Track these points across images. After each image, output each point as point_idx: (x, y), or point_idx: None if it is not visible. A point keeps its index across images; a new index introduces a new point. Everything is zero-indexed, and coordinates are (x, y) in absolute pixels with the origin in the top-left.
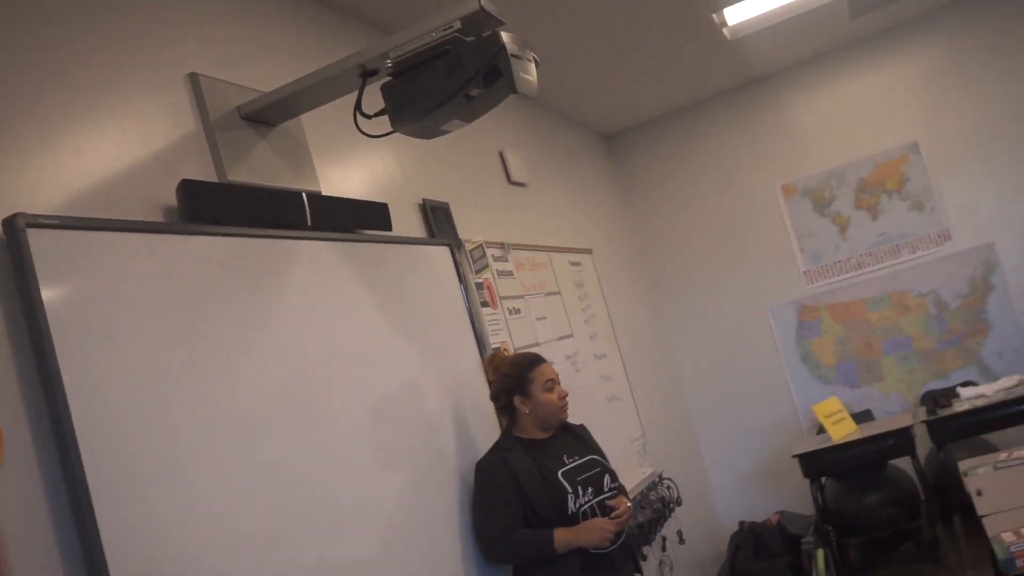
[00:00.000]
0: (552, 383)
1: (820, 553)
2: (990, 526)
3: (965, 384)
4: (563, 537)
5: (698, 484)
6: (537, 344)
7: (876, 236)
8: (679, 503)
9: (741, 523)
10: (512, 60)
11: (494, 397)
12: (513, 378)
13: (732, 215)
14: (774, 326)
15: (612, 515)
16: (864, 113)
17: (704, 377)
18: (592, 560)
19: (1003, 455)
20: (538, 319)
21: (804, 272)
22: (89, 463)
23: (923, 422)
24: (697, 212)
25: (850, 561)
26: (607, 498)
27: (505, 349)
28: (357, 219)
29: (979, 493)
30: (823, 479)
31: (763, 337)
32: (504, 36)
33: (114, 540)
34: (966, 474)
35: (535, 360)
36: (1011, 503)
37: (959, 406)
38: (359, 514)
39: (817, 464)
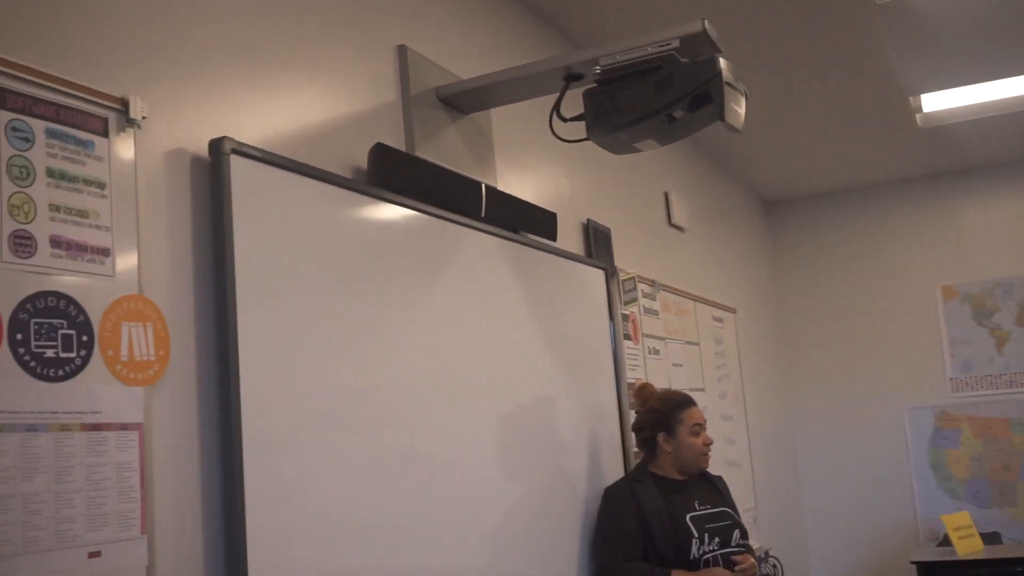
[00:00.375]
0: (700, 428)
1: None
2: None
3: None
4: None
5: (799, 572)
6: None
7: None
8: None
9: None
10: (726, 88)
11: (636, 428)
12: (661, 414)
13: (885, 306)
14: (908, 428)
15: (736, 569)
16: None
17: (824, 463)
18: None
19: None
20: (674, 365)
21: (951, 379)
22: (247, 402)
23: None
24: (849, 296)
25: None
26: (733, 552)
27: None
28: (526, 222)
29: None
30: None
31: (895, 437)
32: (721, 63)
33: (255, 487)
34: None
35: (686, 401)
36: None
37: None
38: (473, 517)
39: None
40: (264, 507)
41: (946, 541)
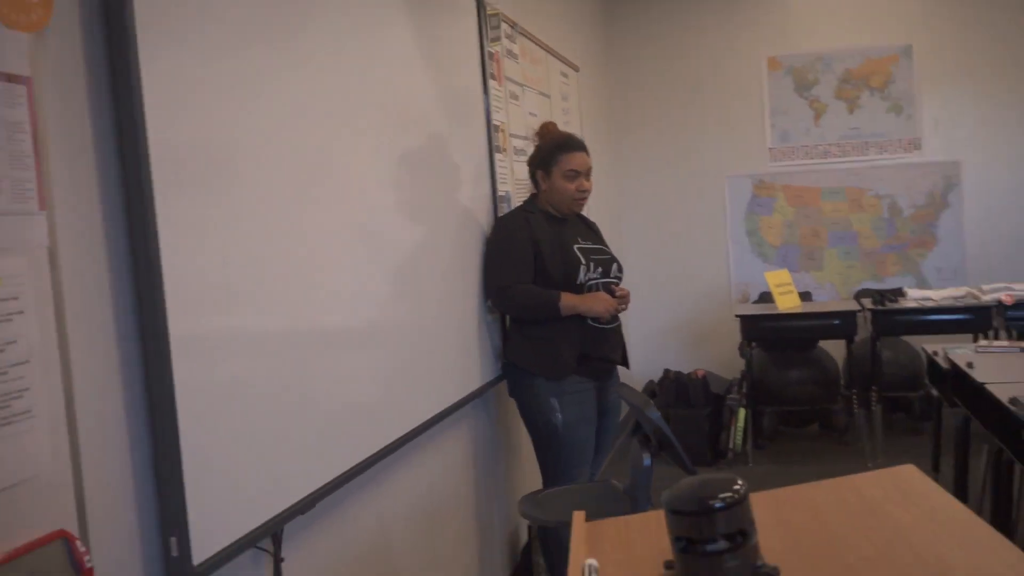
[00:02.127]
0: (575, 173)
1: (742, 412)
2: (996, 392)
3: (897, 291)
4: (569, 301)
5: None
6: (525, 138)
7: (848, 129)
8: None
9: (667, 371)
10: None
11: (528, 163)
12: (543, 152)
13: (712, 77)
14: (728, 195)
15: (616, 295)
16: (868, 4)
17: (647, 227)
18: (592, 337)
19: (983, 342)
20: (531, 114)
21: (770, 148)
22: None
23: (869, 310)
24: (678, 67)
25: (762, 427)
26: (612, 282)
27: (550, 123)
28: None
29: (970, 365)
30: (752, 347)
31: (714, 204)
32: None
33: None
34: (936, 353)
35: (569, 144)
36: (1007, 377)
37: (905, 303)
38: (377, 259)
39: (757, 329)
40: (166, 170)
41: (761, 300)
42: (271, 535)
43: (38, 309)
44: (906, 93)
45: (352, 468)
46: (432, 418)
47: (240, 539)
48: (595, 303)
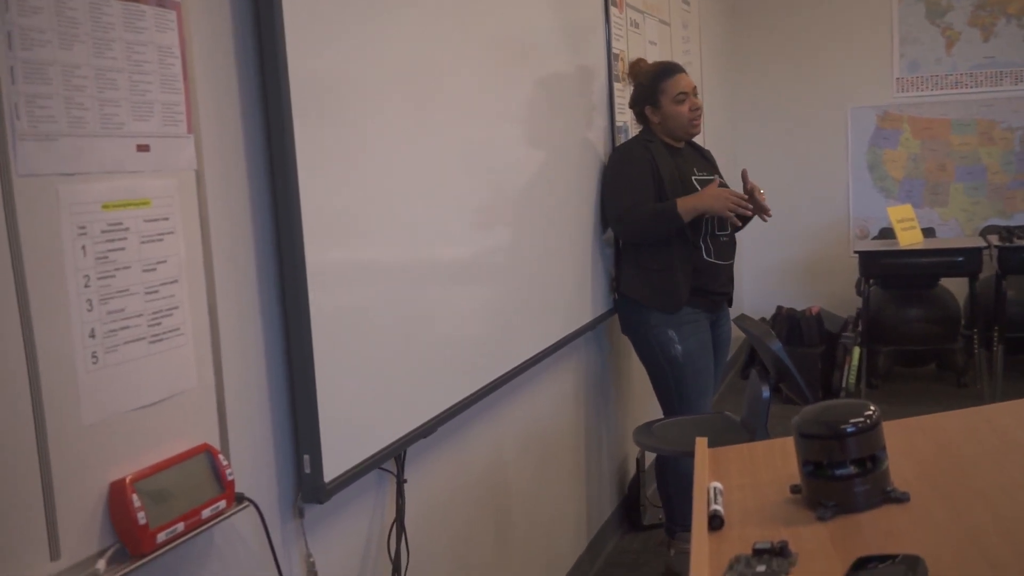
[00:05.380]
0: (684, 96)
1: (856, 351)
2: None
3: None
4: (686, 202)
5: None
6: None
7: (983, 58)
8: None
9: (779, 307)
10: None
11: (631, 104)
12: (644, 88)
13: (836, 7)
14: (850, 127)
15: (748, 186)
16: None
17: (764, 160)
18: (705, 270)
19: None
20: (651, 43)
21: (897, 79)
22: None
23: (995, 247)
24: None
25: (876, 367)
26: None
27: (641, 60)
28: None
29: None
30: (870, 284)
31: (836, 137)
32: None
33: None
34: None
35: (669, 70)
36: None
37: None
38: (493, 191)
39: (876, 265)
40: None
41: (882, 235)
42: (394, 457)
43: (186, 230)
44: None
45: (470, 396)
46: (545, 350)
47: (366, 460)
48: (714, 200)
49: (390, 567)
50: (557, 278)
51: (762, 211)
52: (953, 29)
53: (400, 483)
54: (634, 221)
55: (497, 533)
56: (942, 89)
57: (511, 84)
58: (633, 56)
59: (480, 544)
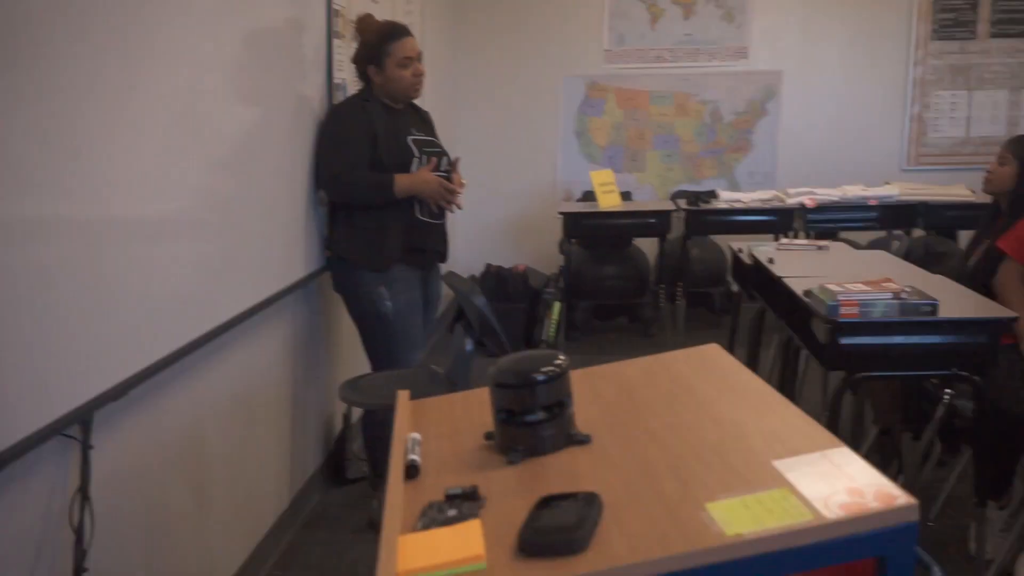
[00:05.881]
0: (409, 61)
1: (556, 305)
2: (792, 284)
3: (710, 193)
4: (403, 181)
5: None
6: None
7: (683, 35)
8: None
9: (488, 265)
10: None
11: (354, 60)
12: (371, 47)
13: None
14: (563, 95)
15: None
16: None
17: (480, 123)
18: (418, 228)
19: (784, 240)
20: (372, 0)
21: (606, 51)
22: None
23: (684, 210)
24: None
25: (575, 320)
26: (442, 174)
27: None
28: None
29: (771, 261)
30: (572, 244)
31: (548, 104)
32: None
33: None
34: (740, 251)
35: (396, 32)
36: (803, 272)
37: (717, 204)
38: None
39: (578, 226)
40: None
41: (585, 198)
42: (79, 422)
43: None
44: (740, 2)
45: (166, 356)
46: (251, 308)
47: (44, 427)
48: (427, 185)
49: (73, 538)
50: (267, 235)
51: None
52: (658, 6)
53: (86, 449)
54: (349, 184)
55: (196, 497)
56: (645, 62)
57: (223, 34)
58: (354, 13)
59: (178, 510)
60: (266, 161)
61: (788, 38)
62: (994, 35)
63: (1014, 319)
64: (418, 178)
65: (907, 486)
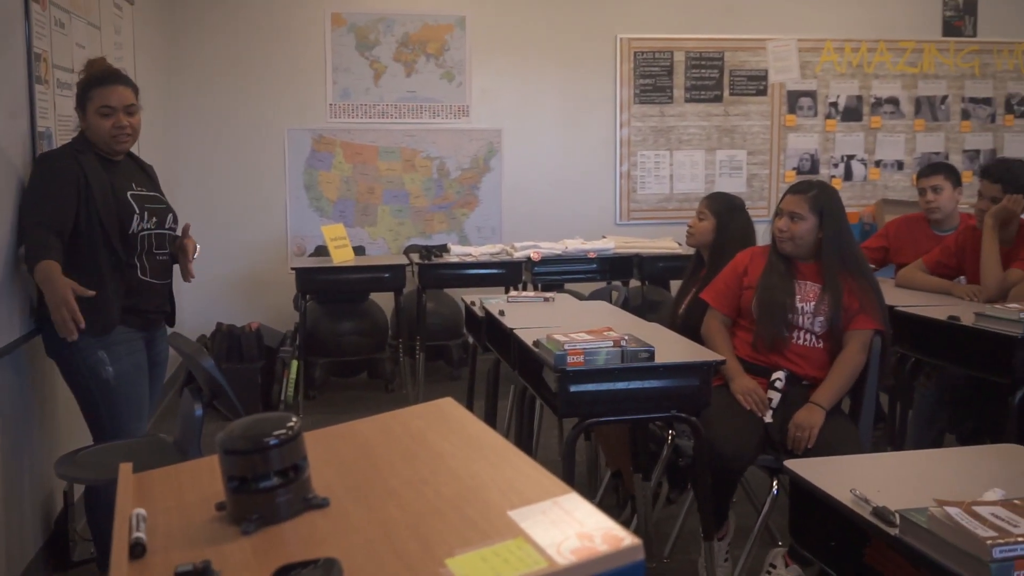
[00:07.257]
0: (110, 111)
1: (294, 364)
2: (523, 336)
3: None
4: (43, 272)
5: None
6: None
7: (406, 92)
8: None
9: (219, 324)
10: None
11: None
12: (79, 89)
13: (275, 29)
14: (288, 148)
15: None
16: None
17: (203, 176)
18: (139, 289)
19: (513, 293)
20: (78, 45)
21: (331, 104)
22: None
23: (416, 264)
24: (243, 10)
25: (314, 378)
26: (167, 232)
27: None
28: None
29: (501, 313)
30: (307, 300)
31: (274, 156)
32: None
33: None
34: (473, 303)
35: (104, 79)
36: (532, 323)
37: (449, 258)
38: None
39: (312, 281)
40: None
41: (317, 253)
42: None
43: None
44: (459, 62)
45: None
46: None
47: None
48: (54, 294)
49: None
50: None
51: (186, 273)
52: (380, 63)
53: None
54: (33, 242)
55: None
56: (371, 117)
57: None
58: (58, 58)
59: None
60: None
61: (506, 98)
62: (688, 100)
63: (722, 362)
64: (58, 284)
65: (641, 526)
